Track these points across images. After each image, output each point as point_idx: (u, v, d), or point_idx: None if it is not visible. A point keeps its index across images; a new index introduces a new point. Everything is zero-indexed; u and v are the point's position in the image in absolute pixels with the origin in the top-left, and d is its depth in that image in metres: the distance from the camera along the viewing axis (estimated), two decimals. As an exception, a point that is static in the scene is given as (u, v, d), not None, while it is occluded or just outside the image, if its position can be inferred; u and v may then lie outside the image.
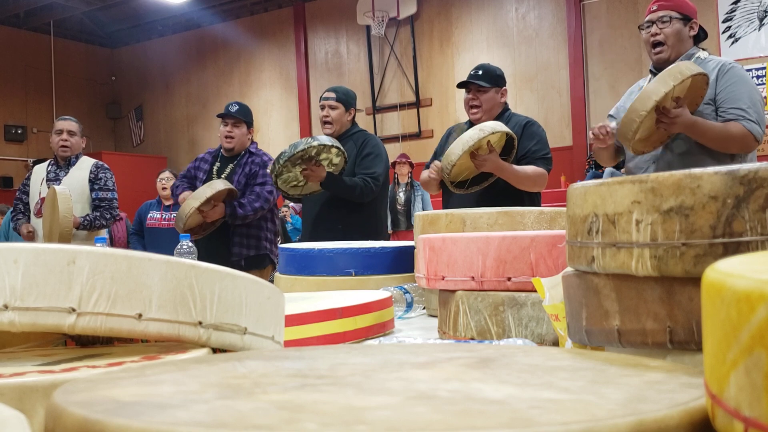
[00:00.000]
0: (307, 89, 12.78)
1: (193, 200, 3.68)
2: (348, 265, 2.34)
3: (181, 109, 14.48)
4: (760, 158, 3.12)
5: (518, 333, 1.48)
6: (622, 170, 3.12)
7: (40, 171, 4.57)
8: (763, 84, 8.91)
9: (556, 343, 1.34)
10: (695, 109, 2.63)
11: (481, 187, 3.13)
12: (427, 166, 3.33)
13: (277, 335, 1.04)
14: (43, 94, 13.95)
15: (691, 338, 0.77)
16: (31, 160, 12.18)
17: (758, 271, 0.48)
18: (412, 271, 2.31)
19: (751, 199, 0.71)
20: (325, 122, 3.67)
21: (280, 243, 5.35)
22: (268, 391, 0.61)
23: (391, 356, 0.78)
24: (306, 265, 2.41)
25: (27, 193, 4.60)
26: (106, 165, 4.59)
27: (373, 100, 12.08)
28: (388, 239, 5.14)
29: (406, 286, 2.12)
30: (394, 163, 8.20)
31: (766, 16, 9.08)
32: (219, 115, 4.15)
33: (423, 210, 7.81)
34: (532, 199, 3.21)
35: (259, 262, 4.04)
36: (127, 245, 6.71)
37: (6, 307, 0.82)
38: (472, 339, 1.53)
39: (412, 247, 2.31)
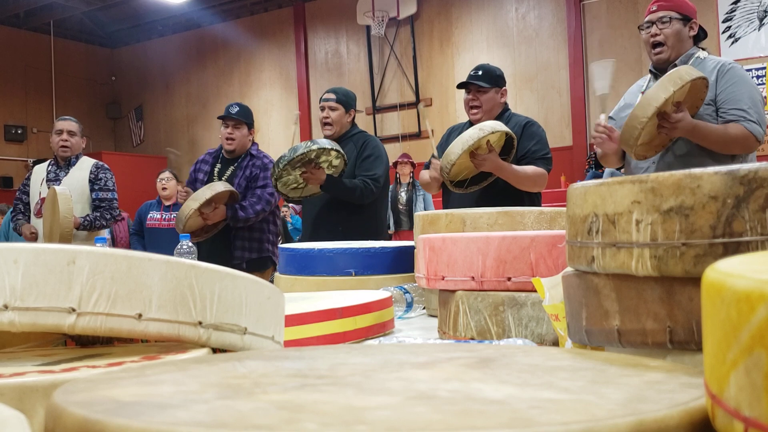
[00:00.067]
0: (307, 89, 12.78)
1: (192, 201, 3.63)
2: (348, 265, 2.34)
3: (181, 109, 14.48)
4: (760, 158, 3.12)
5: (518, 333, 1.48)
6: (622, 170, 3.11)
7: (40, 171, 4.56)
8: (763, 84, 8.91)
9: (556, 343, 1.34)
10: (696, 112, 2.62)
11: (480, 187, 3.13)
12: (426, 166, 3.33)
13: (277, 335, 1.04)
14: (43, 94, 13.95)
15: (691, 338, 0.77)
16: (31, 160, 12.18)
17: (758, 271, 0.48)
18: (412, 271, 2.31)
19: (751, 199, 0.71)
20: (326, 124, 3.65)
21: (281, 243, 5.35)
22: (268, 391, 0.61)
23: (391, 356, 0.78)
24: (306, 265, 2.41)
25: (27, 194, 4.59)
26: (106, 165, 4.58)
27: (373, 100, 12.08)
28: (389, 240, 5.13)
29: (406, 286, 2.12)
30: (395, 163, 8.20)
31: (766, 16, 9.08)
32: (220, 117, 4.14)
33: (425, 210, 7.81)
34: (532, 199, 3.21)
35: (261, 265, 4.03)
36: (129, 245, 6.71)
37: (6, 307, 0.82)
38: (472, 339, 1.53)
39: (412, 247, 2.31)
